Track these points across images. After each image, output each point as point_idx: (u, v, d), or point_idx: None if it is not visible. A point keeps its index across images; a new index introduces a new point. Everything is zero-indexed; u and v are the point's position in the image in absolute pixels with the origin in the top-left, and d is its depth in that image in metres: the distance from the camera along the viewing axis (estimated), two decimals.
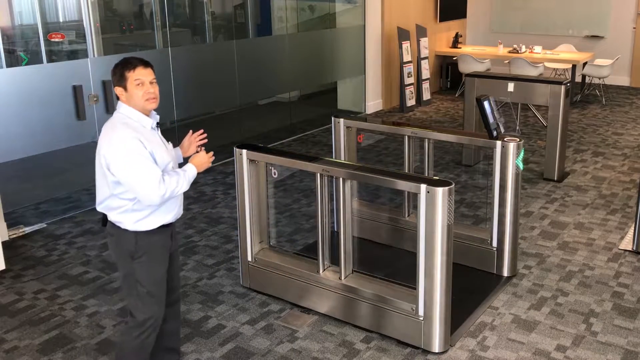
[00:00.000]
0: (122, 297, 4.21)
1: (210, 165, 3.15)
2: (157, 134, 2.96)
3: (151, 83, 2.87)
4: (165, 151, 2.94)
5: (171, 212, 3.00)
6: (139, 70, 2.83)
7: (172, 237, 3.08)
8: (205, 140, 3.26)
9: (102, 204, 2.93)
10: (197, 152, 3.16)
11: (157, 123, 2.97)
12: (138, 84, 2.83)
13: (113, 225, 2.93)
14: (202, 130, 3.26)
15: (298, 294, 4.03)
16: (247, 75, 7.36)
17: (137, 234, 2.90)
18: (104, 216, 2.97)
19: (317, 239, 3.92)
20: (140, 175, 2.76)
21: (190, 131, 3.27)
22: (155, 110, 2.97)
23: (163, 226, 2.97)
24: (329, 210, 3.95)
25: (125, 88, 2.85)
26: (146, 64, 2.88)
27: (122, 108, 2.89)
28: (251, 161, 4.02)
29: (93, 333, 3.82)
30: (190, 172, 2.98)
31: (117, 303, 4.15)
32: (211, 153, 3.15)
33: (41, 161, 5.92)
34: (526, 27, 11.70)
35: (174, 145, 3.19)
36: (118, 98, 2.91)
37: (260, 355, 3.58)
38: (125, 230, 2.90)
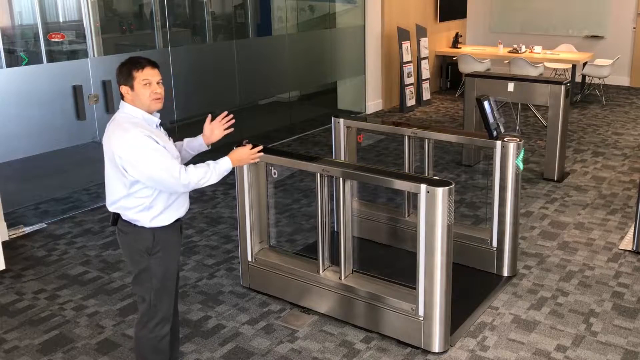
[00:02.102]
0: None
1: (254, 161, 3.09)
2: (162, 132, 2.97)
3: (158, 83, 2.88)
4: (174, 148, 2.96)
5: (183, 206, 3.03)
6: (147, 70, 2.84)
7: (181, 230, 3.11)
8: (232, 127, 3.18)
9: (116, 204, 2.92)
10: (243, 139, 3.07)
11: (160, 123, 2.98)
12: (145, 84, 2.83)
13: (127, 223, 2.93)
14: (226, 113, 3.16)
15: (298, 294, 4.03)
16: (247, 75, 7.36)
17: (154, 230, 2.92)
18: (114, 216, 2.97)
19: (317, 239, 3.92)
20: (161, 168, 2.77)
21: (210, 116, 3.19)
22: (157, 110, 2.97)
23: (176, 220, 3.01)
24: (329, 210, 3.95)
25: (132, 87, 2.84)
26: (154, 64, 2.89)
27: (126, 108, 2.89)
28: None
29: (93, 333, 3.82)
30: (223, 165, 2.97)
31: (117, 303, 4.16)
32: (257, 148, 3.09)
33: (41, 161, 5.92)
34: (526, 27, 11.70)
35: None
36: (122, 97, 2.91)
37: (260, 355, 3.58)
38: (142, 228, 2.91)
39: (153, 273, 2.97)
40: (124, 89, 2.87)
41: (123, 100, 2.91)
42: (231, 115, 3.18)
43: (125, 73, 2.85)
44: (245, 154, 3.07)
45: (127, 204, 2.89)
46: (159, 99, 2.88)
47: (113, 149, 2.81)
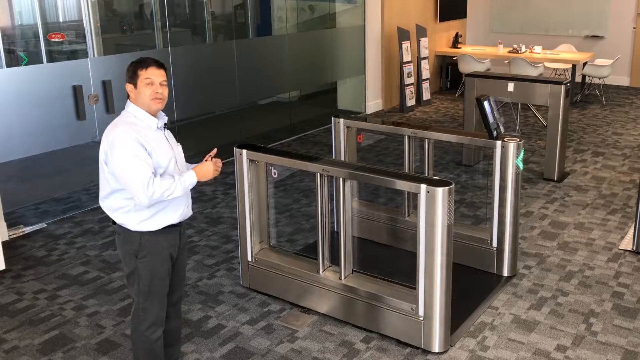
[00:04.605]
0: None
1: (217, 174, 3.09)
2: (163, 134, 2.98)
3: (161, 84, 2.90)
4: (170, 151, 2.95)
5: (177, 212, 3.00)
6: (151, 70, 2.87)
7: (180, 236, 3.09)
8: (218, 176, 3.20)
9: (104, 202, 2.96)
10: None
11: (165, 123, 3.00)
12: (148, 83, 2.87)
13: (120, 225, 2.96)
14: (220, 161, 3.17)
15: (298, 294, 4.03)
16: (247, 75, 7.36)
17: (142, 234, 2.93)
18: None
19: (317, 239, 3.92)
20: (130, 175, 2.79)
21: (215, 150, 3.18)
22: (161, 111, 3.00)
23: (170, 226, 2.99)
24: (329, 210, 3.95)
25: (135, 85, 2.88)
26: (160, 65, 2.92)
27: (129, 107, 2.93)
28: (251, 161, 4.02)
29: (93, 333, 3.82)
30: (189, 179, 2.94)
31: (117, 303, 4.16)
32: (219, 162, 3.10)
33: (41, 161, 5.92)
34: (526, 27, 11.70)
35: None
36: (128, 96, 2.95)
37: (260, 355, 3.58)
38: (130, 231, 2.92)
39: (140, 276, 2.98)
40: (129, 86, 2.92)
41: (129, 98, 2.95)
42: (221, 164, 3.16)
43: (131, 71, 2.90)
44: (210, 169, 3.04)
45: (114, 203, 2.91)
46: (160, 99, 2.90)
47: (102, 143, 2.86)
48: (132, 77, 2.89)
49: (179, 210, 3.01)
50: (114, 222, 3.00)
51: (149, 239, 2.94)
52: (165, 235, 2.98)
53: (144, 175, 2.78)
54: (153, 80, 2.87)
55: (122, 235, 2.96)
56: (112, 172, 2.84)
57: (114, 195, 2.90)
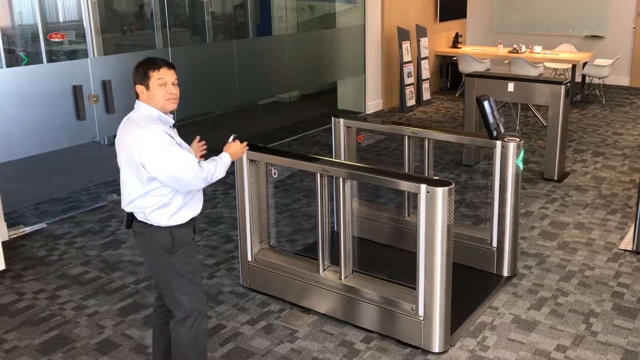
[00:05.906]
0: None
1: (244, 154, 3.33)
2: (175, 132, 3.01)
3: (173, 84, 2.91)
4: (188, 147, 3.00)
5: (199, 205, 3.05)
6: (163, 71, 2.87)
7: (194, 229, 3.12)
8: (205, 152, 3.28)
9: (132, 204, 2.91)
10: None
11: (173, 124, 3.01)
12: (161, 84, 2.86)
13: (144, 224, 2.92)
14: (204, 142, 3.28)
15: (298, 294, 4.04)
16: (247, 75, 7.36)
17: (171, 229, 2.92)
18: (128, 218, 2.96)
19: (317, 239, 3.92)
20: (181, 164, 2.80)
21: (198, 137, 3.29)
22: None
23: (190, 220, 3.02)
24: (329, 210, 3.95)
25: (147, 87, 2.87)
26: (170, 65, 2.93)
27: (141, 107, 2.90)
28: (251, 161, 4.02)
29: (93, 333, 3.82)
30: (226, 159, 3.06)
31: (117, 303, 4.16)
32: (245, 143, 3.26)
33: (41, 161, 5.92)
34: (526, 27, 11.70)
35: None
36: (137, 96, 2.92)
37: (260, 355, 3.58)
38: (159, 227, 2.91)
39: (178, 271, 2.97)
40: (140, 88, 2.89)
41: (138, 99, 2.93)
42: (203, 143, 3.27)
43: (141, 73, 2.87)
44: (238, 148, 3.19)
45: (144, 203, 2.88)
46: (174, 99, 2.91)
47: (131, 146, 2.81)
48: (143, 79, 2.86)
49: (200, 203, 3.06)
50: (128, 226, 2.98)
51: (179, 232, 2.95)
52: (189, 228, 3.02)
53: (192, 161, 2.83)
54: (166, 81, 2.87)
55: (148, 235, 2.93)
56: (156, 171, 2.80)
57: (146, 197, 2.87)
